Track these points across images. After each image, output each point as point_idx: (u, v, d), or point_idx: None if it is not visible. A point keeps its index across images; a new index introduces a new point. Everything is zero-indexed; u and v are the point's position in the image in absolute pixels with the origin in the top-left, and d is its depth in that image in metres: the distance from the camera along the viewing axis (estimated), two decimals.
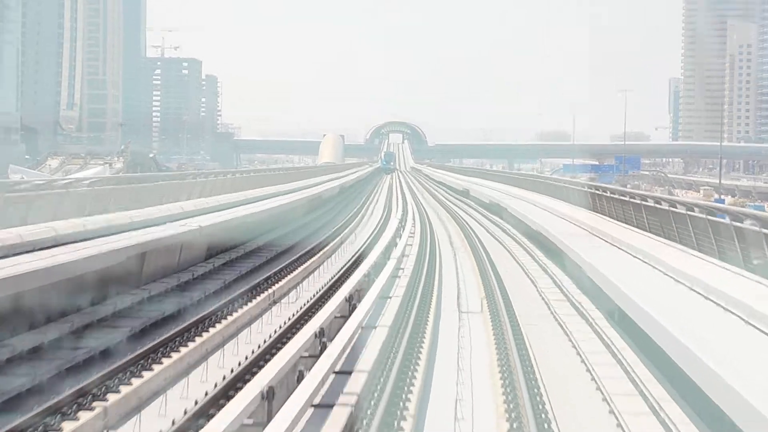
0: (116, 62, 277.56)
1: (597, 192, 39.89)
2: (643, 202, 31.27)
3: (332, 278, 33.46)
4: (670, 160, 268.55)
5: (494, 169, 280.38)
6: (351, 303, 22.53)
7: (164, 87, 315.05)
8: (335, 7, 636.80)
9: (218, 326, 24.22)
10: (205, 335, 23.05)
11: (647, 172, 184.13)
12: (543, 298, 30.06)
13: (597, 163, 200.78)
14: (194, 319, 24.32)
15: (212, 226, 37.15)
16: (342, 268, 36.02)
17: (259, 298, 28.79)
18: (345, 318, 20.34)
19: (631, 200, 33.29)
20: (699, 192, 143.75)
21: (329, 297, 25.86)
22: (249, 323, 25.67)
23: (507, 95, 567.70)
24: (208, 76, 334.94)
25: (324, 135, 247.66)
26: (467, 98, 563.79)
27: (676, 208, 26.84)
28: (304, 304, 28.22)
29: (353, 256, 39.37)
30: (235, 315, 25.94)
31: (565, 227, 37.57)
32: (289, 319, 25.60)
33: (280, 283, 31.84)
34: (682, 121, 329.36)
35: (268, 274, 33.40)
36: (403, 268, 30.31)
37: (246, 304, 27.68)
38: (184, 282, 31.29)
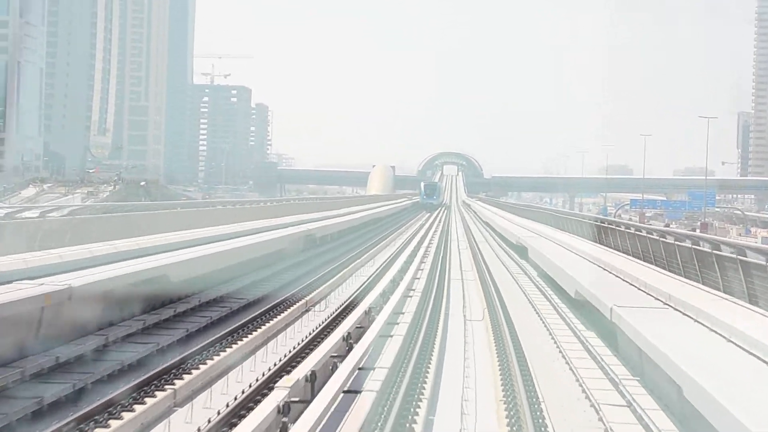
0: (160, 88, 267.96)
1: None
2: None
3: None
4: (739, 196, 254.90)
5: (553, 204, 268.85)
6: None
7: (211, 115, 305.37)
8: (391, 35, 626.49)
9: None
10: None
11: (718, 209, 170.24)
12: None
13: (665, 198, 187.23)
14: None
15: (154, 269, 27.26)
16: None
17: None
18: None
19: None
20: None
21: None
22: None
23: (567, 128, 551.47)
24: (258, 104, 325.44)
25: (373, 166, 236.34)
26: (527, 131, 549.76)
27: None
28: None
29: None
30: None
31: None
32: None
33: None
34: (752, 155, 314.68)
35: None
36: None
37: None
38: None
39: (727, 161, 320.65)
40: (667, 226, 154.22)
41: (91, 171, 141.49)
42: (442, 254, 54.49)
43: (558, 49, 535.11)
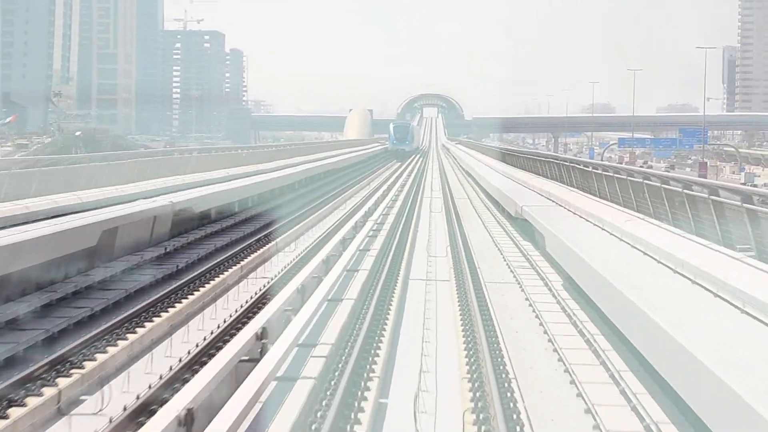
0: (129, 35, 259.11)
1: None
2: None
3: None
4: (726, 132, 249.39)
5: (536, 145, 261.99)
6: None
7: (184, 62, 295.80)
8: None
9: None
10: None
11: (710, 146, 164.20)
12: None
13: (652, 136, 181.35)
14: None
15: None
16: None
17: None
18: None
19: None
20: None
21: None
22: None
23: (547, 67, 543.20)
24: (232, 50, 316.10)
25: (350, 110, 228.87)
26: (510, 71, 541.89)
27: None
28: None
29: None
30: None
31: None
32: None
33: None
34: (738, 91, 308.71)
35: None
36: None
37: None
38: None
39: (713, 97, 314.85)
40: (645, 164, 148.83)
41: (7, 121, 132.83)
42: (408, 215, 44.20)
43: None
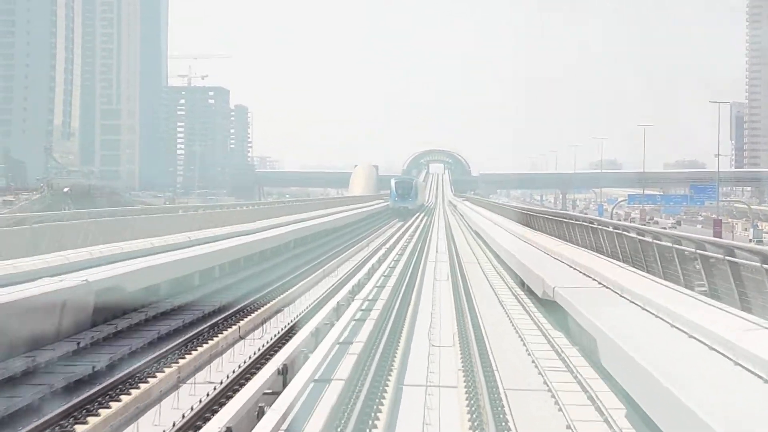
0: (133, 90, 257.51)
1: None
2: None
3: None
4: (735, 188, 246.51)
5: (545, 201, 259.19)
6: None
7: (189, 118, 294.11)
8: (375, 32, 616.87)
9: None
10: None
11: (722, 202, 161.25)
12: None
13: (661, 192, 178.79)
14: None
15: None
16: None
17: None
18: None
19: None
20: None
21: None
22: None
23: (553, 124, 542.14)
24: (237, 106, 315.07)
25: (355, 166, 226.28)
26: (516, 128, 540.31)
27: None
28: None
29: None
30: None
31: None
32: None
33: None
34: (747, 147, 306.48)
35: None
36: None
37: None
38: None
39: (721, 154, 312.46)
40: (652, 220, 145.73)
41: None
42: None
43: (546, 43, 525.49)
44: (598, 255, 29.87)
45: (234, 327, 27.58)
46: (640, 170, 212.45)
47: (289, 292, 35.75)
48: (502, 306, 33.50)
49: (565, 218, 40.45)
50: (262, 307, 31.73)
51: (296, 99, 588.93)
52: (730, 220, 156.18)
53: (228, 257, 41.76)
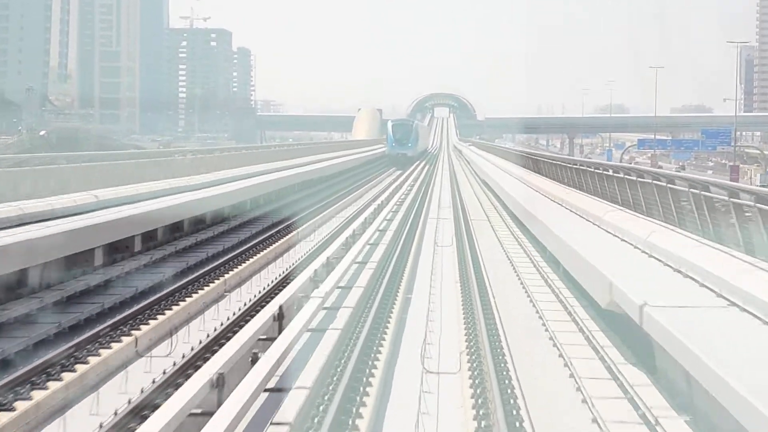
0: (133, 32, 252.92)
1: None
2: None
3: None
4: (744, 133, 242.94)
5: (551, 146, 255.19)
6: None
7: (190, 60, 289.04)
8: None
9: None
10: None
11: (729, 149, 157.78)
12: None
13: (670, 137, 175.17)
14: None
15: None
16: None
17: None
18: None
19: None
20: None
21: None
22: None
23: (560, 67, 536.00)
24: (240, 48, 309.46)
25: (359, 109, 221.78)
26: (521, 71, 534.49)
27: None
28: None
29: None
30: None
31: None
32: None
33: None
34: (757, 91, 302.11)
35: None
36: None
37: None
38: None
39: (729, 98, 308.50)
40: (682, 168, 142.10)
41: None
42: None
43: None
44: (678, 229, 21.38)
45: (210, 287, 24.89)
46: (648, 115, 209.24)
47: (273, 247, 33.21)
48: (532, 302, 23.89)
49: (574, 164, 37.07)
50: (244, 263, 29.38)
51: (301, 42, 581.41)
52: (742, 165, 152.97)
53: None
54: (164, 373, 17.08)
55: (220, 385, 13.01)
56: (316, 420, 13.17)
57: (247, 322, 18.96)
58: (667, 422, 13.46)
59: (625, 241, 22.39)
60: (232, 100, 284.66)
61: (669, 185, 21.86)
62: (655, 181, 23.44)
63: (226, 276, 27.91)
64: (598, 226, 25.83)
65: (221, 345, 17.06)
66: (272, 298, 21.79)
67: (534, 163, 53.07)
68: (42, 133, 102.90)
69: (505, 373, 16.03)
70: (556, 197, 34.63)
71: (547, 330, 20.34)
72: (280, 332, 16.81)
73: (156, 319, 21.79)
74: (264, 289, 26.16)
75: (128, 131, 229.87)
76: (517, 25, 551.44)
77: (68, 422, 14.87)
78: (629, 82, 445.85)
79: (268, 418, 12.83)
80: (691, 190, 20.09)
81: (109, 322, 20.86)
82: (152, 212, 31.16)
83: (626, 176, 27.47)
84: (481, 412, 14.11)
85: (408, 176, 78.82)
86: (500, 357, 17.32)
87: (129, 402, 14.97)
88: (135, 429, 13.01)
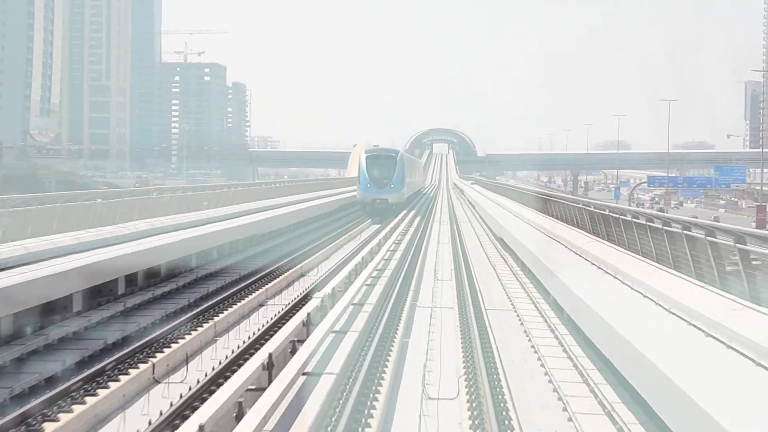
0: (123, 66, 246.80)
1: None
2: None
3: None
4: (752, 170, 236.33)
5: (553, 184, 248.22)
6: None
7: (183, 96, 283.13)
8: (379, 7, 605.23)
9: None
10: None
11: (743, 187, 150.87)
12: None
13: (678, 174, 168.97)
14: None
15: None
16: None
17: None
18: None
19: None
20: None
21: None
22: None
23: (560, 104, 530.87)
24: (234, 83, 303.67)
25: (354, 145, 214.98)
26: (524, 106, 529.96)
27: None
28: None
29: None
30: None
31: None
32: None
33: None
34: (764, 126, 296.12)
35: None
36: None
37: None
38: None
39: (733, 134, 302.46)
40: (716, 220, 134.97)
41: None
42: None
43: (556, 20, 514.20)
44: None
45: None
46: (654, 151, 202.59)
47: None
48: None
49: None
50: None
51: (298, 78, 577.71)
52: (755, 204, 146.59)
53: None
54: None
55: None
56: None
57: None
58: None
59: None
60: (226, 136, 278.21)
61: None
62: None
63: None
64: None
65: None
66: None
67: (565, 211, 38.57)
68: None
69: None
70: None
71: None
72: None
73: None
74: None
75: (118, 168, 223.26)
76: (519, 62, 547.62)
77: None
78: (633, 117, 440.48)
79: None
80: None
81: None
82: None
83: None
84: None
85: (393, 228, 53.93)
86: None
87: None
88: None
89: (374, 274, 31.09)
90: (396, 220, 61.20)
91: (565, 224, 36.97)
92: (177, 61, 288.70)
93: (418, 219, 68.59)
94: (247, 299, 30.15)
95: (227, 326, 26.33)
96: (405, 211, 71.44)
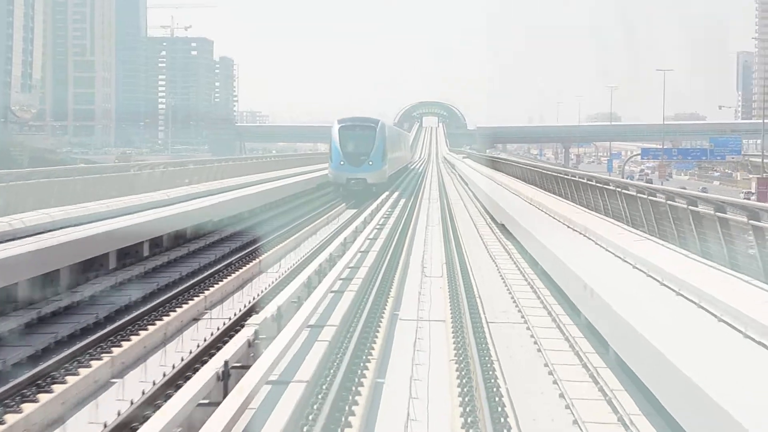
0: (108, 41, 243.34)
1: None
2: None
3: None
4: (747, 141, 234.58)
5: (543, 157, 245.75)
6: None
7: (170, 70, 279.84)
8: None
9: None
10: None
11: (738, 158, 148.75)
12: None
13: (671, 146, 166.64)
14: None
15: None
16: None
17: None
18: None
19: None
20: None
21: None
22: None
23: (549, 77, 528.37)
24: (222, 58, 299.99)
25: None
26: (516, 77, 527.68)
27: None
28: None
29: None
30: None
31: None
32: None
33: None
34: (756, 97, 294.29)
35: None
36: None
37: None
38: None
39: (725, 105, 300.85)
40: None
41: None
42: None
43: None
44: None
45: None
46: (644, 122, 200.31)
47: None
48: None
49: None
50: None
51: (287, 53, 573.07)
52: (749, 176, 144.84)
53: None
54: None
55: None
56: None
57: None
58: None
59: None
60: (213, 111, 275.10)
61: None
62: None
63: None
64: None
65: None
66: None
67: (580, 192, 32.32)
68: None
69: None
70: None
71: None
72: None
73: None
74: None
75: (103, 144, 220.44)
76: (509, 35, 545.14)
77: None
78: (625, 89, 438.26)
79: None
80: None
81: None
82: None
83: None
84: None
85: (374, 211, 46.32)
86: None
87: None
88: None
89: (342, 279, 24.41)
90: (378, 202, 52.28)
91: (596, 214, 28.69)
92: (163, 36, 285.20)
93: (403, 202, 59.06)
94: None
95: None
96: (387, 192, 61.35)
